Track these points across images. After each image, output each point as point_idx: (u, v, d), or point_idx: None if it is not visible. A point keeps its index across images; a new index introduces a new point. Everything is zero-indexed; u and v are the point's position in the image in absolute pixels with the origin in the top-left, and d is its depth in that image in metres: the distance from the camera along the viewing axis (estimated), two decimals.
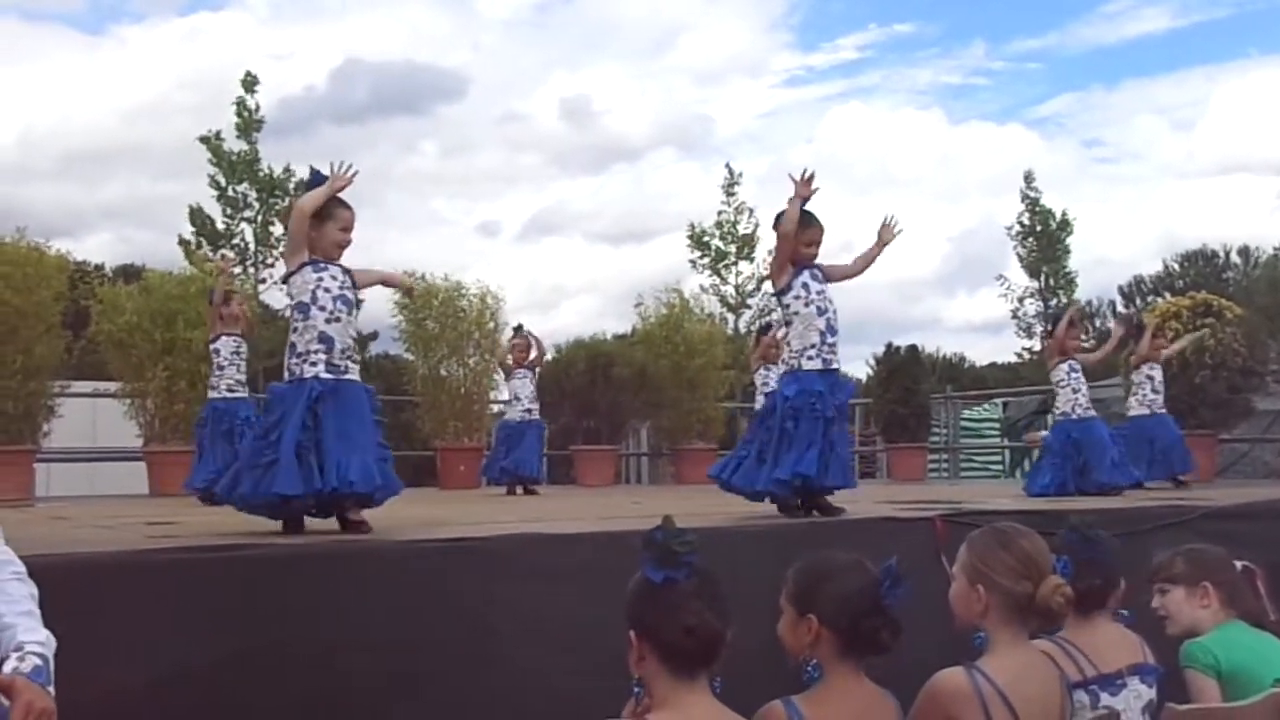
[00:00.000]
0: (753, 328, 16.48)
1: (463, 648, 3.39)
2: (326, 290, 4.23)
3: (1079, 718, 2.62)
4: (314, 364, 4.14)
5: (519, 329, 10.10)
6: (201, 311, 8.57)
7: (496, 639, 3.45)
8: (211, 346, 7.80)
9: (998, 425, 17.09)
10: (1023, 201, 18.61)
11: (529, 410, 9.61)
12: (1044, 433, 7.76)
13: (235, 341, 7.74)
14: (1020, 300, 18.37)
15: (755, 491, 4.82)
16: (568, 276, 51.28)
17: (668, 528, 2.21)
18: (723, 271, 16.79)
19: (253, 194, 14.56)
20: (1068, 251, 18.21)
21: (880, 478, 13.59)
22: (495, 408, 11.99)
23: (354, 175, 4.28)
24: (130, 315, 9.47)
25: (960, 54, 52.79)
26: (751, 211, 16.83)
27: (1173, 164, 49.46)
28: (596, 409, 11.99)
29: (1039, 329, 17.52)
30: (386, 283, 5.06)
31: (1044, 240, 18.15)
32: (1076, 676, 2.77)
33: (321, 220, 4.28)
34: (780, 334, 7.91)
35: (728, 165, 17.28)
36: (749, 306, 16.90)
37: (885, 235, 5.14)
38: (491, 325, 11.21)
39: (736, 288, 16.79)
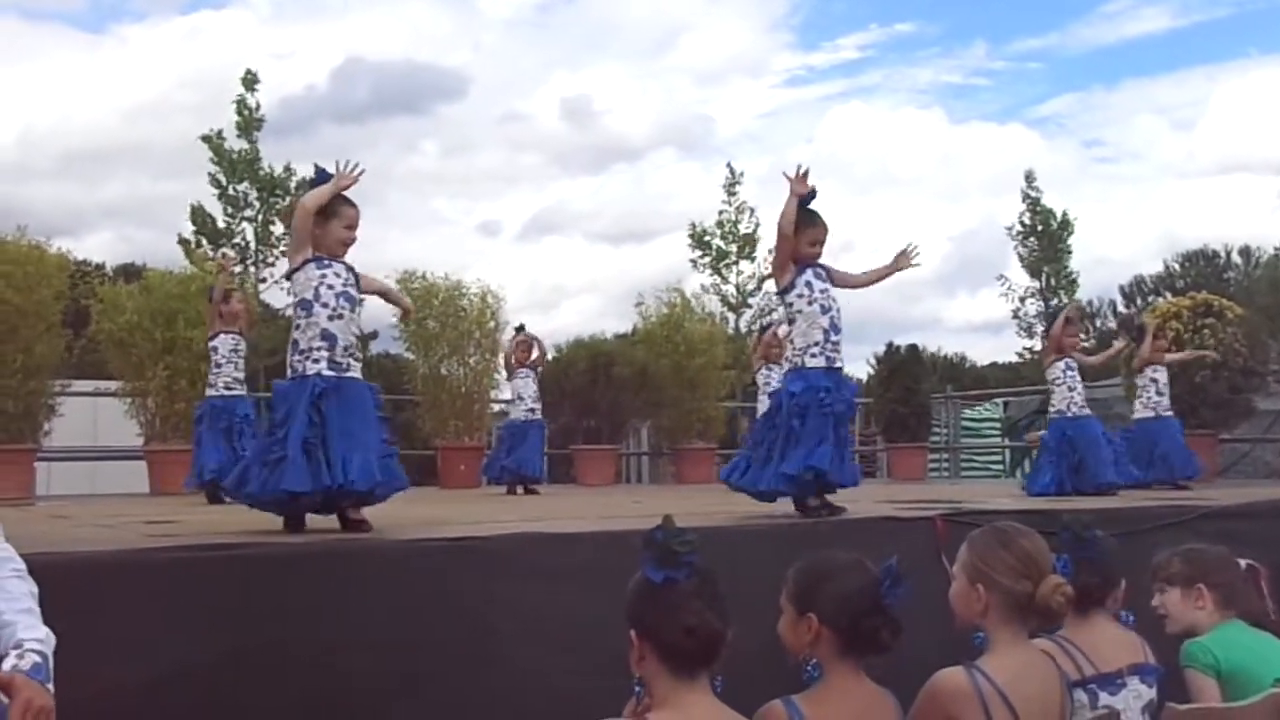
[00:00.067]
0: (754, 327, 16.51)
1: (463, 647, 3.39)
2: (330, 287, 4.23)
3: (1078, 717, 2.62)
4: (316, 361, 4.14)
5: (520, 329, 10.10)
6: (202, 310, 8.58)
7: (497, 638, 3.45)
8: (210, 344, 7.80)
9: (998, 425, 17.09)
10: (1023, 201, 18.64)
11: (532, 410, 9.61)
12: (1044, 432, 7.75)
13: (234, 339, 7.75)
14: (1021, 300, 18.40)
15: (765, 491, 4.78)
16: (568, 276, 51.34)
17: (668, 527, 2.22)
18: (724, 271, 16.81)
19: (253, 193, 14.58)
20: (1068, 251, 18.23)
21: (881, 477, 13.60)
22: (496, 407, 11.99)
23: (360, 174, 4.28)
24: (131, 314, 9.47)
25: (961, 54, 52.83)
26: (753, 211, 16.87)
27: (1173, 164, 49.51)
28: (597, 408, 12.00)
29: (1040, 329, 17.51)
30: (386, 296, 5.00)
31: (1045, 240, 18.17)
32: (1076, 676, 2.78)
33: (326, 218, 4.28)
34: (782, 331, 7.92)
35: (729, 165, 17.32)
36: (750, 306, 16.92)
37: (902, 262, 5.13)
38: (492, 325, 11.21)
39: (737, 287, 16.81)
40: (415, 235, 44.03)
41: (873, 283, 5.18)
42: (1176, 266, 34.02)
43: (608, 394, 11.99)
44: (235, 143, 14.53)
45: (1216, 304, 10.59)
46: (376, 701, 3.21)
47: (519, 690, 3.37)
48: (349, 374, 4.18)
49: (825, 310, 4.89)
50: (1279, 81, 47.98)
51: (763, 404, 9.24)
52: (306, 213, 4.28)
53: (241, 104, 14.53)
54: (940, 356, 29.92)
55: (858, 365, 18.37)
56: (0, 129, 37.94)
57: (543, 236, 50.98)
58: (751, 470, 4.80)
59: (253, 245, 14.67)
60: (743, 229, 16.80)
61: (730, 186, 17.00)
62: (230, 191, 14.49)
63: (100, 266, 14.57)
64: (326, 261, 4.28)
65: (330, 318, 4.19)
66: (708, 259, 16.81)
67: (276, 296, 14.46)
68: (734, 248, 16.79)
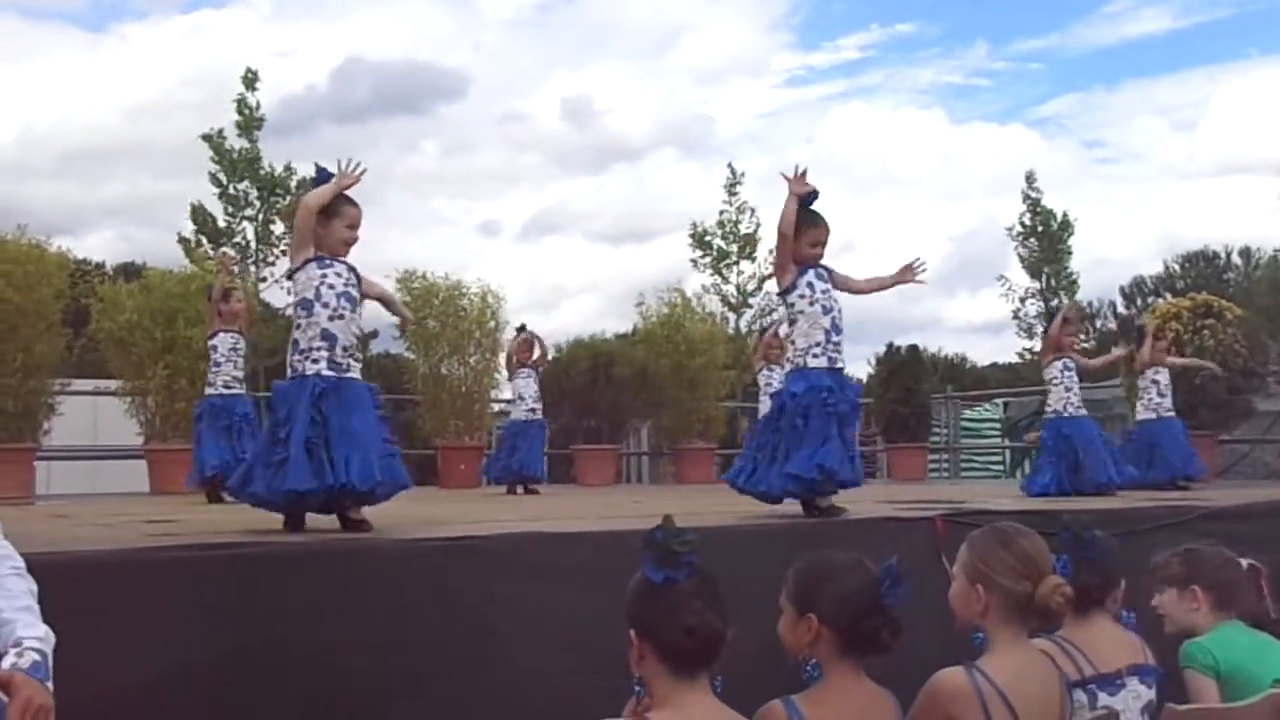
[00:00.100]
0: (754, 327, 16.52)
1: (463, 647, 3.39)
2: (330, 287, 4.23)
3: (1077, 717, 2.62)
4: (316, 361, 4.14)
5: (522, 329, 10.08)
6: (202, 309, 8.58)
7: (497, 638, 3.45)
8: (209, 343, 7.81)
9: (998, 425, 17.10)
10: (1024, 202, 18.62)
11: (533, 410, 9.60)
12: (1042, 432, 7.76)
13: (233, 338, 7.75)
14: (1021, 301, 18.37)
15: (772, 493, 4.76)
16: (568, 276, 51.29)
17: (668, 527, 2.22)
18: (724, 271, 16.81)
19: (254, 192, 14.58)
20: (1069, 252, 18.21)
21: (881, 477, 13.60)
22: (496, 407, 11.99)
23: (362, 173, 4.28)
24: (131, 313, 9.47)
25: (962, 54, 52.82)
26: (753, 211, 16.87)
27: (1174, 164, 49.46)
28: (597, 408, 12.00)
29: (1040, 330, 17.50)
30: (387, 304, 4.99)
31: (1045, 241, 18.15)
32: (1075, 676, 2.78)
33: (329, 217, 4.28)
34: (783, 331, 7.91)
35: (730, 165, 17.32)
36: (750, 306, 16.93)
37: (906, 276, 5.11)
38: (492, 324, 11.21)
39: (738, 287, 16.81)
40: (415, 235, 44.03)
41: (874, 291, 5.18)
42: (1177, 267, 34.02)
43: (608, 394, 12.00)
44: (236, 142, 14.53)
45: (1216, 305, 10.60)
46: (377, 701, 3.21)
47: (519, 690, 3.37)
48: (349, 374, 4.18)
49: (827, 311, 4.88)
50: (1279, 82, 47.99)
51: (764, 404, 9.24)
52: (309, 212, 4.28)
53: (242, 103, 14.53)
54: (940, 357, 29.92)
55: (858, 365, 18.34)
56: (1, 128, 37.97)
57: (543, 236, 50.97)
58: (758, 472, 4.78)
59: (253, 244, 14.67)
60: (743, 229, 16.81)
61: (731, 186, 17.01)
62: (231, 191, 14.49)
63: (100, 265, 14.60)
64: (328, 261, 4.28)
65: (331, 318, 4.19)
66: (708, 259, 16.82)
67: (277, 296, 14.48)
68: (734, 248, 16.80)
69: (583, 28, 53.06)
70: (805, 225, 4.91)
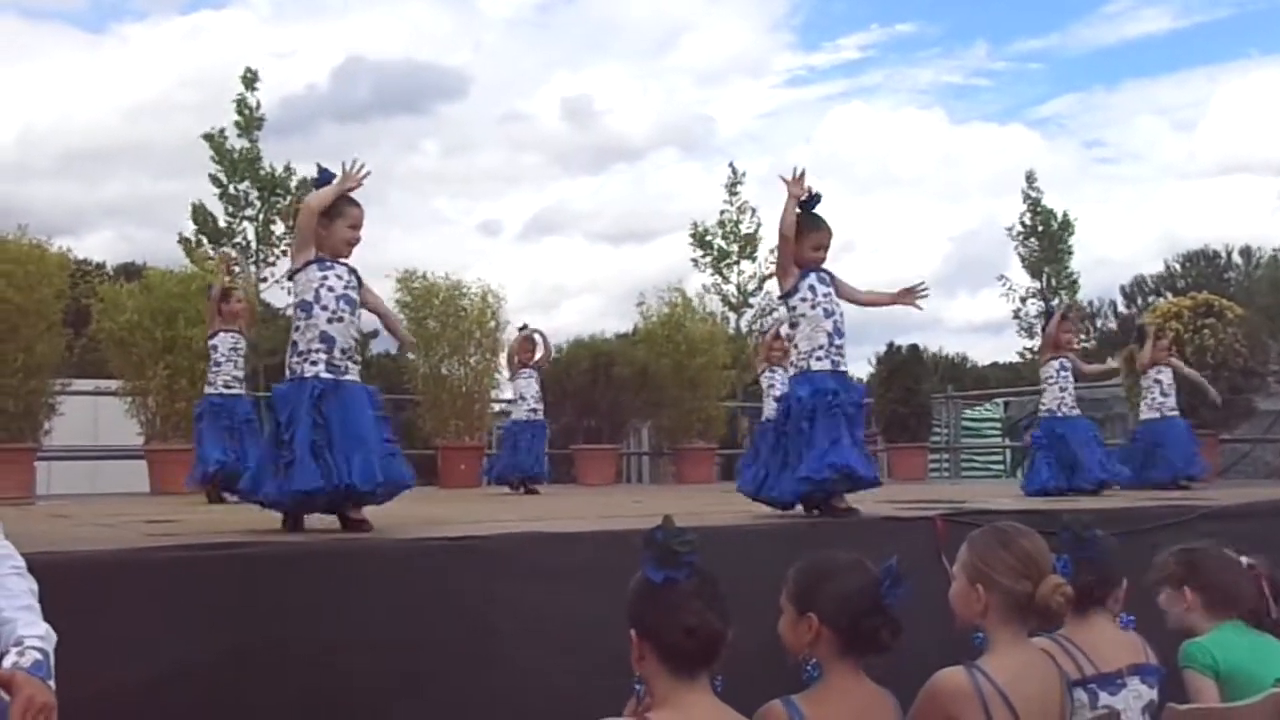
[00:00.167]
0: (754, 327, 16.53)
1: (463, 647, 3.39)
2: (330, 289, 4.23)
3: (1078, 717, 2.63)
4: (314, 363, 4.15)
5: (524, 329, 10.03)
6: (202, 309, 8.58)
7: (497, 638, 3.45)
8: (210, 342, 7.81)
9: (999, 425, 17.09)
10: (1024, 202, 18.62)
11: (534, 410, 9.59)
12: (1037, 431, 7.77)
13: (234, 338, 7.75)
14: (1022, 300, 18.38)
15: (785, 500, 4.72)
16: (569, 276, 51.31)
17: (668, 527, 2.22)
18: (725, 270, 16.82)
19: (254, 192, 14.58)
20: (1069, 252, 18.21)
21: (881, 477, 13.57)
22: (496, 407, 11.99)
23: (366, 175, 4.28)
24: (131, 313, 9.47)
25: (962, 54, 52.85)
26: (754, 211, 16.87)
27: (1174, 164, 49.48)
28: (597, 408, 12.00)
29: (1040, 329, 17.49)
30: (387, 323, 4.92)
31: (1045, 240, 18.15)
32: (1076, 675, 2.78)
33: (331, 218, 4.28)
34: (784, 330, 7.91)
35: (731, 164, 17.33)
36: (750, 306, 16.94)
37: (907, 299, 5.08)
38: (493, 324, 11.20)
39: (738, 287, 16.82)
40: (416, 235, 44.06)
41: (873, 305, 5.16)
42: (1177, 267, 34.03)
43: (608, 394, 11.99)
44: (236, 142, 14.54)
45: (1217, 304, 10.59)
46: (377, 701, 3.21)
47: (519, 690, 3.37)
48: (347, 377, 4.19)
49: (829, 314, 4.87)
50: (1279, 82, 47.98)
51: (767, 406, 9.24)
52: (311, 213, 4.28)
53: (242, 103, 14.54)
54: (941, 356, 29.90)
55: (859, 365, 18.34)
56: (1, 128, 37.97)
57: (543, 236, 50.99)
58: (769, 478, 4.75)
59: (253, 244, 14.68)
60: (744, 229, 16.82)
61: (732, 186, 17.02)
62: (231, 191, 14.50)
63: (101, 265, 14.61)
64: (329, 263, 4.28)
65: (330, 320, 4.19)
66: (709, 259, 16.82)
67: (277, 296, 14.49)
68: (735, 247, 16.80)
69: (583, 28, 53.10)
70: (807, 228, 4.90)
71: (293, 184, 14.37)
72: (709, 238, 16.84)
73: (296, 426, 4.02)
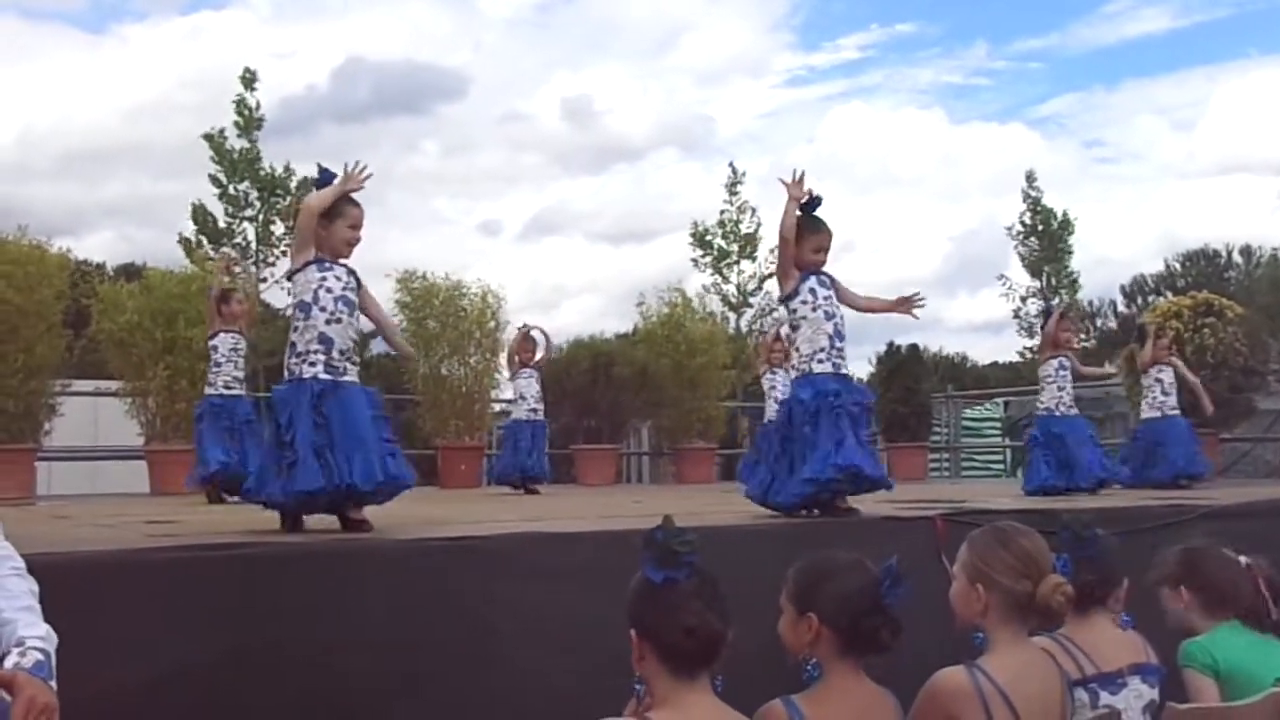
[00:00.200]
0: (754, 326, 16.53)
1: (463, 647, 3.39)
2: (329, 290, 4.24)
3: (1079, 716, 2.63)
4: (313, 364, 4.15)
5: (527, 333, 9.98)
6: (202, 310, 8.59)
7: (497, 638, 3.45)
8: (210, 343, 7.82)
9: (999, 424, 17.08)
10: (1024, 201, 18.62)
11: (534, 410, 9.59)
12: (1034, 430, 7.78)
13: (234, 338, 7.76)
14: (1022, 300, 18.36)
15: (794, 503, 4.69)
16: (569, 276, 51.26)
17: (668, 527, 2.22)
18: (725, 270, 16.82)
19: (254, 193, 14.58)
20: (1069, 251, 18.21)
21: None
22: (496, 407, 11.99)
23: (367, 177, 4.29)
24: (131, 314, 9.47)
25: (962, 54, 52.79)
26: (754, 211, 16.87)
27: (1173, 164, 49.46)
28: (597, 408, 12.00)
29: (1040, 328, 17.47)
30: (386, 333, 4.90)
31: (1045, 240, 18.15)
32: (1076, 675, 2.78)
33: (331, 218, 4.28)
34: (784, 331, 7.91)
35: (731, 164, 17.33)
36: (750, 305, 16.94)
37: (904, 308, 5.09)
38: (492, 324, 11.20)
39: (738, 287, 16.82)
40: (416, 235, 44.03)
41: (870, 311, 5.16)
42: (1177, 266, 34.03)
43: (608, 394, 11.99)
44: (236, 142, 14.53)
45: (1217, 303, 10.59)
46: (376, 701, 3.21)
47: (519, 690, 3.37)
48: (345, 378, 4.19)
49: (829, 317, 4.86)
50: (1279, 82, 47.99)
51: (769, 407, 9.25)
52: (311, 214, 4.28)
53: (241, 103, 14.54)
54: (941, 356, 29.89)
55: (859, 365, 18.35)
56: (1, 129, 37.97)
57: (543, 236, 50.94)
58: (776, 483, 4.74)
59: (253, 245, 14.68)
60: (744, 229, 16.81)
61: (732, 186, 17.02)
62: (231, 191, 14.50)
63: (101, 266, 14.61)
64: (328, 264, 4.28)
65: (328, 321, 4.20)
66: (709, 258, 16.82)
67: (277, 296, 14.49)
68: (735, 247, 16.80)
69: (583, 28, 53.07)
70: (807, 231, 4.90)
71: (293, 184, 14.37)
72: (709, 238, 16.85)
73: (297, 427, 4.03)
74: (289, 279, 4.46)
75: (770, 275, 15.02)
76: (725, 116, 49.35)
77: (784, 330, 8.23)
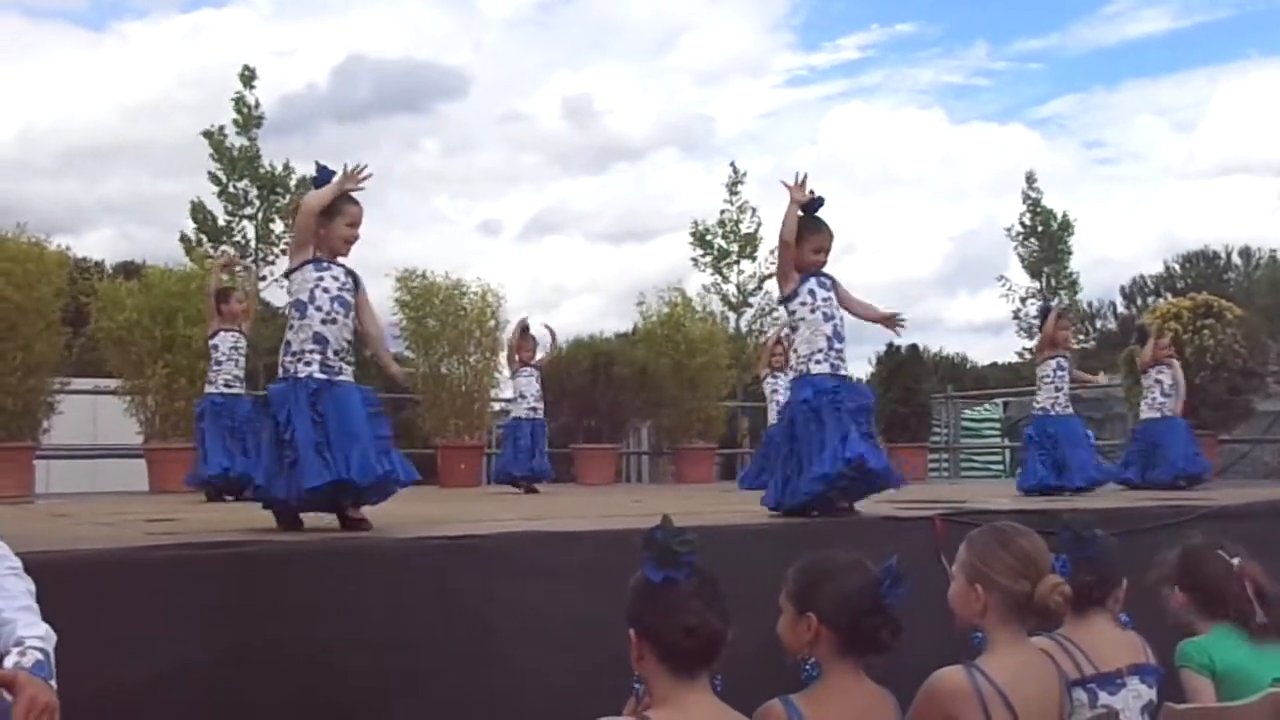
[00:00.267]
0: (754, 327, 16.53)
1: (462, 646, 3.39)
2: (325, 290, 4.24)
3: (1077, 716, 2.63)
4: (308, 364, 4.16)
5: (527, 329, 9.94)
6: (202, 308, 8.59)
7: (496, 637, 3.45)
8: (210, 341, 7.83)
9: (998, 425, 17.09)
10: (1024, 202, 18.61)
11: (534, 409, 9.58)
12: (1029, 429, 7.81)
13: (234, 337, 7.77)
14: (1021, 301, 18.36)
15: (805, 502, 4.68)
16: (569, 276, 51.28)
17: (667, 527, 2.22)
18: (725, 270, 16.80)
19: (253, 191, 14.56)
20: (1069, 252, 18.21)
21: None
22: (496, 406, 11.98)
23: (367, 176, 4.29)
24: (130, 312, 9.47)
25: (962, 54, 52.91)
26: (754, 210, 16.86)
27: (1173, 165, 49.59)
28: (597, 408, 12.00)
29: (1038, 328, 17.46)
30: (375, 350, 4.64)
31: (1045, 241, 18.15)
32: (1075, 675, 2.78)
33: (329, 216, 4.29)
34: (785, 333, 7.90)
35: (732, 164, 17.30)
36: (750, 305, 16.92)
37: (890, 324, 5.11)
38: (492, 324, 11.20)
39: (738, 286, 16.80)
40: (416, 234, 44.08)
41: (862, 318, 5.14)
42: (1177, 267, 34.08)
43: (608, 393, 11.99)
44: (235, 140, 14.52)
45: (1216, 305, 10.60)
46: (376, 700, 3.21)
47: (519, 689, 3.37)
48: (341, 377, 4.20)
49: (828, 318, 4.86)
50: (1279, 83, 48.00)
51: (771, 411, 9.25)
52: (309, 213, 4.28)
53: (240, 101, 14.52)
54: (941, 356, 29.91)
55: (858, 365, 18.35)
56: (1, 126, 37.96)
57: (543, 236, 51.01)
58: (790, 485, 4.73)
59: (253, 243, 14.66)
60: (744, 228, 16.80)
61: (732, 185, 17.00)
62: (230, 189, 14.48)
63: (100, 264, 14.59)
64: (325, 264, 4.29)
65: (323, 321, 4.20)
66: (709, 258, 16.81)
67: (277, 295, 14.47)
68: (735, 247, 16.79)
69: (583, 28, 53.11)
70: (808, 231, 4.89)
71: (292, 183, 14.35)
72: (709, 237, 16.83)
73: (296, 425, 4.03)
74: (286, 277, 4.47)
75: (770, 275, 15.01)
76: (725, 116, 49.48)
77: (785, 333, 8.22)
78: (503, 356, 10.64)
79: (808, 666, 2.43)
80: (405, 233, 42.25)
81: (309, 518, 4.20)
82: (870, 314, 5.15)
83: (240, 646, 3.08)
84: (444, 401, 11.05)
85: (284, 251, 13.70)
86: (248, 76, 14.58)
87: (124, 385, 9.81)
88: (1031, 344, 19.75)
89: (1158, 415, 8.42)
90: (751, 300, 16.87)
